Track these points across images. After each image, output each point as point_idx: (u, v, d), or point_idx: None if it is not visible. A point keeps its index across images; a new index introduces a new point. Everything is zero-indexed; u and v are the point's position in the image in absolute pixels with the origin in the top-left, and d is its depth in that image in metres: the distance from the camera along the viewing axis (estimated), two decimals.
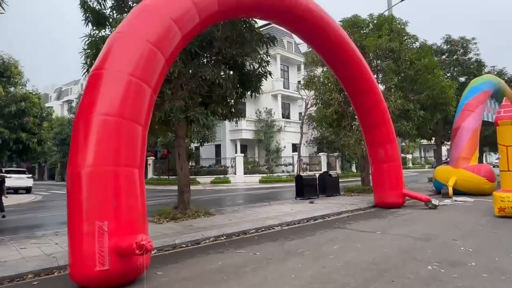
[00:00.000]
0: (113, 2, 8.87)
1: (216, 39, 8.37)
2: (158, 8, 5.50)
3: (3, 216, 11.12)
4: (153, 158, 31.73)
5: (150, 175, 31.54)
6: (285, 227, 8.17)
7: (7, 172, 22.64)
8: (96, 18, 8.79)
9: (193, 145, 29.02)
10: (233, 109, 10.06)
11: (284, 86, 33.70)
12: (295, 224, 8.56)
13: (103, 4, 8.69)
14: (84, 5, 8.53)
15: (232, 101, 9.82)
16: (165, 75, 5.72)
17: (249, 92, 10.08)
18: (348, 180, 26.27)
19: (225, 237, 7.12)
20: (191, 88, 8.05)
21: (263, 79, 9.85)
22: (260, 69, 9.73)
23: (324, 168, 31.52)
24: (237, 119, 10.74)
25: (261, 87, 9.94)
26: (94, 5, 8.73)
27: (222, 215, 9.44)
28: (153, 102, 5.31)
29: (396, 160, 10.74)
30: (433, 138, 22.70)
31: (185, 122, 8.44)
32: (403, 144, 38.29)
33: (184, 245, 6.51)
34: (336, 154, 34.45)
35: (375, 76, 14.33)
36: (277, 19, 8.14)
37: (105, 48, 5.04)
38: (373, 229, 7.57)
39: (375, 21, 14.62)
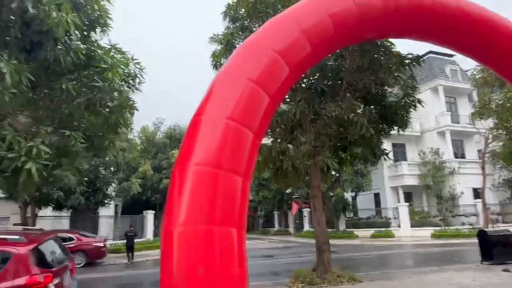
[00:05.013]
0: None
1: (344, 70, 7.30)
2: (260, 40, 4.88)
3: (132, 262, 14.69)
4: (308, 209, 31.06)
5: (306, 227, 30.80)
6: None
7: None
8: None
9: (347, 195, 27.06)
10: (377, 151, 8.46)
11: (453, 120, 28.59)
12: None
13: None
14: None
15: (374, 140, 8.26)
16: (271, 116, 4.96)
17: (395, 129, 8.38)
18: None
19: None
20: (318, 130, 7.04)
21: (411, 109, 8.03)
22: (406, 98, 8.00)
23: None
24: (385, 160, 8.99)
25: (409, 120, 8.11)
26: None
27: (371, 282, 7.54)
28: (256, 148, 4.52)
29: None
30: None
31: (316, 169, 7.40)
32: None
33: None
34: None
35: None
36: (417, 34, 6.49)
37: (207, 91, 4.70)
38: None
39: None
